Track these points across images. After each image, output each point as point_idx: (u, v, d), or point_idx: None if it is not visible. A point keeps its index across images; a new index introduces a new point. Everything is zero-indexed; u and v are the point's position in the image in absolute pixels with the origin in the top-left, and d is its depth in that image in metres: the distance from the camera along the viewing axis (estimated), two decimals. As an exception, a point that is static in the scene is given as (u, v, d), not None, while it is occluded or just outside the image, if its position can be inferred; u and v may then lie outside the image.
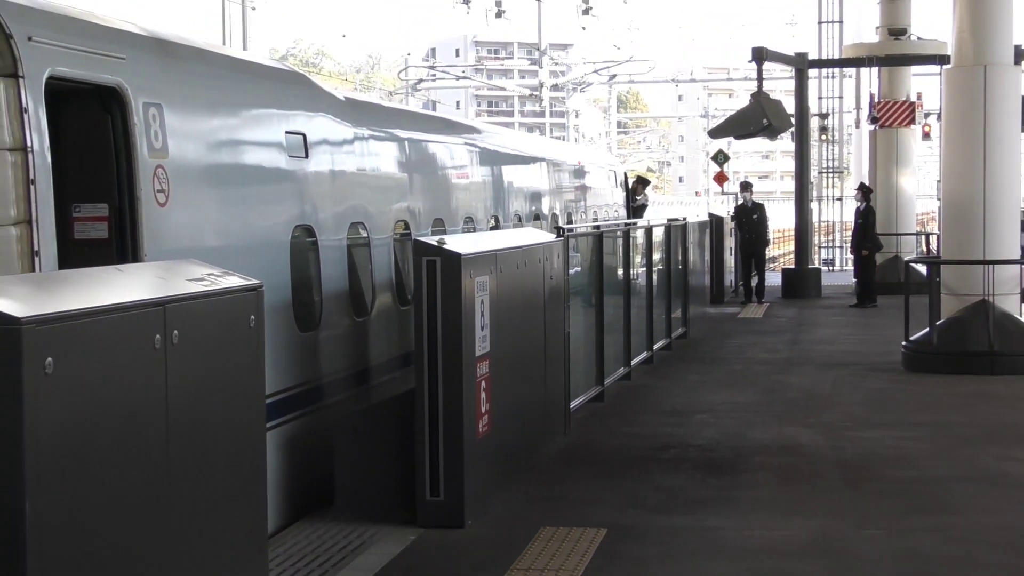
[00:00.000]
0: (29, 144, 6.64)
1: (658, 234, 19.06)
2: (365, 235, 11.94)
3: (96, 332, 4.50)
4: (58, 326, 4.21)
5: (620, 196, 29.19)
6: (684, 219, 22.60)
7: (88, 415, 4.41)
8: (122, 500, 4.66)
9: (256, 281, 5.85)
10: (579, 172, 25.07)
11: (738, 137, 31.43)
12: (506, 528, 9.13)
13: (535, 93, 78.42)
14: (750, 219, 28.97)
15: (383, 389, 11.62)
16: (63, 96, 7.20)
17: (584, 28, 67.89)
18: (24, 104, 6.64)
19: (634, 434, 12.76)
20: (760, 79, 29.17)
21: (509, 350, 10.22)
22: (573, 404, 13.02)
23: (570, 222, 21.04)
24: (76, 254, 7.48)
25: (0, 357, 3.98)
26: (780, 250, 40.73)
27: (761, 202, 30.37)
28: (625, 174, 31.93)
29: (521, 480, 10.49)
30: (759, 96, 29.04)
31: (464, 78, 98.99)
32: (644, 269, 17.74)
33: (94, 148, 7.76)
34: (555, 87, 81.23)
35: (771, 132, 29.70)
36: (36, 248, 6.66)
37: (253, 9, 46.65)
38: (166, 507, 4.93)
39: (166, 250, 7.89)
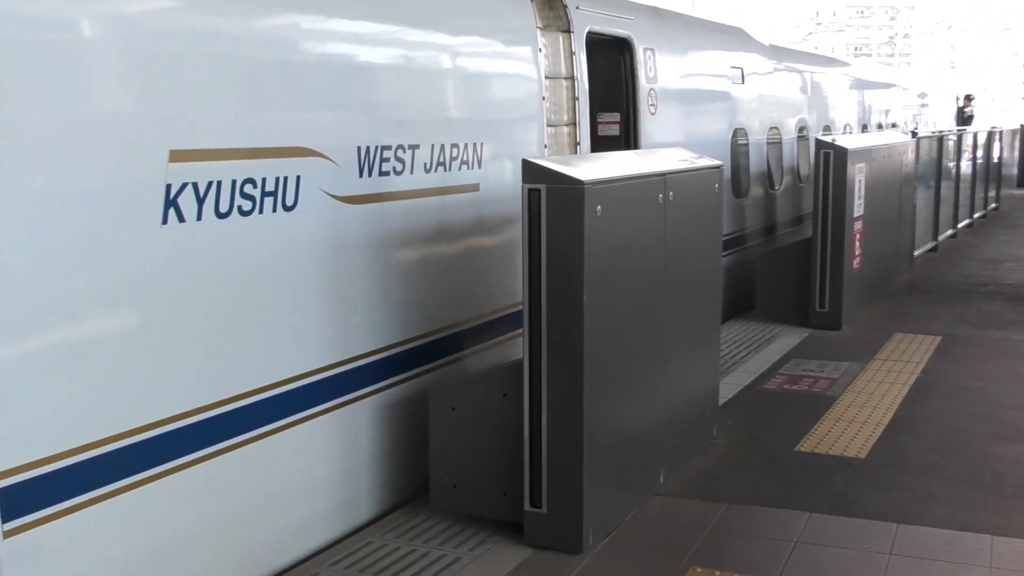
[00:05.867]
0: (576, 75, 6.83)
1: (980, 138, 17.52)
2: (778, 136, 11.62)
3: (626, 191, 4.63)
4: (604, 186, 4.37)
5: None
6: (1000, 128, 20.71)
7: (620, 241, 4.57)
8: (637, 295, 4.83)
9: (719, 162, 5.84)
10: (922, 94, 23.39)
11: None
12: (869, 332, 8.81)
13: (892, 39, 73.20)
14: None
15: (785, 238, 11.41)
16: (596, 45, 7.34)
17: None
18: (573, 50, 6.82)
19: (960, 275, 11.92)
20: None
21: (875, 214, 9.74)
22: (916, 252, 12.30)
23: (916, 128, 19.65)
24: (600, 145, 7.68)
25: (574, 204, 4.19)
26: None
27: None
28: (956, 95, 29.41)
29: (879, 301, 10.06)
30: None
31: (839, 31, 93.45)
32: (970, 161, 16.40)
33: (613, 78, 7.89)
34: (905, 35, 75.59)
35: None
36: (578, 140, 6.89)
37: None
38: (664, 301, 5.08)
39: (653, 143, 7.97)
